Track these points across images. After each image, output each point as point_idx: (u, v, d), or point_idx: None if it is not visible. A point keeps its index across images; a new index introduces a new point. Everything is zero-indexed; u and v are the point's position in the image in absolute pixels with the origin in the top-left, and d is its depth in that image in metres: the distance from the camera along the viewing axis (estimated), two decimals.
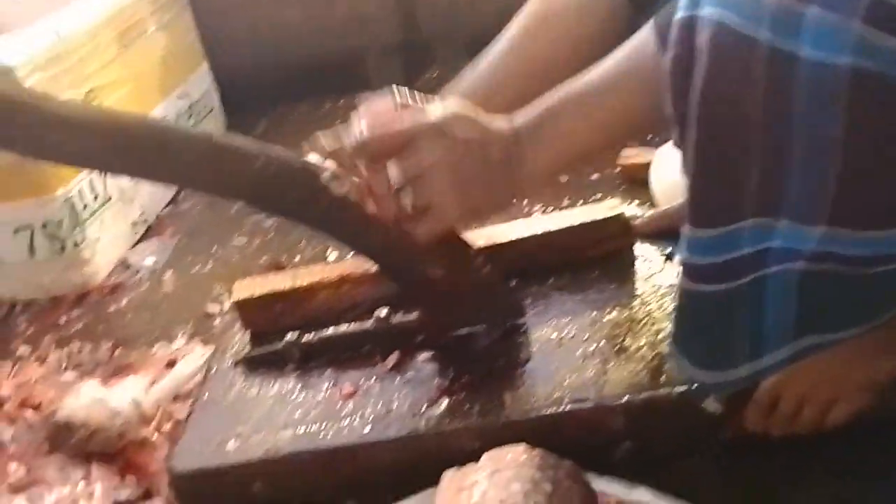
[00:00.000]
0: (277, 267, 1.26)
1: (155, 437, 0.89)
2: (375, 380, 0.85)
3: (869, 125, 0.53)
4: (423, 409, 0.79)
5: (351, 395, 0.83)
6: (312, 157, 0.74)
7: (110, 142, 0.66)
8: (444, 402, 0.80)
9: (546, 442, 0.71)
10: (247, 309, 0.95)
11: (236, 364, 0.91)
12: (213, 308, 1.18)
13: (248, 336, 0.97)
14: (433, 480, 0.73)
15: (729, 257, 0.60)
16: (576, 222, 0.93)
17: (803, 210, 0.56)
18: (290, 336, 0.90)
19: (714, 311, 0.63)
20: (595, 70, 0.74)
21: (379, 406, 0.81)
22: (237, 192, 0.73)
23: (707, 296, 0.62)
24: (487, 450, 0.72)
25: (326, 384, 0.86)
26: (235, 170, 0.71)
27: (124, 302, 1.25)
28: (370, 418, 0.80)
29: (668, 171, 1.15)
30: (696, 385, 0.70)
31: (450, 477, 0.70)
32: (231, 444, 0.80)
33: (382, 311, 0.88)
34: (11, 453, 0.87)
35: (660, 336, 0.82)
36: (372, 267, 0.94)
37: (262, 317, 0.95)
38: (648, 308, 0.87)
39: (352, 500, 0.80)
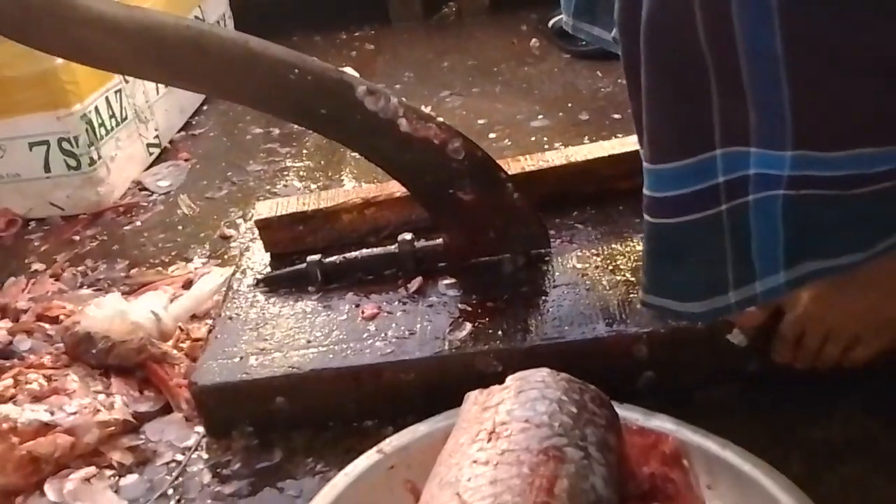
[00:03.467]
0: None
1: (174, 353, 0.88)
2: (398, 303, 0.85)
3: (804, 36, 0.51)
4: (447, 331, 0.79)
5: (374, 317, 0.83)
6: (349, 71, 0.73)
7: (144, 42, 0.65)
8: (468, 326, 0.79)
9: (569, 368, 0.70)
10: (269, 229, 0.94)
11: (258, 283, 0.91)
12: (229, 231, 1.17)
13: (267, 258, 0.96)
14: (455, 402, 0.73)
15: (701, 187, 0.59)
16: (607, 153, 0.92)
17: (769, 135, 0.55)
18: (313, 256, 0.89)
19: (691, 242, 0.61)
20: None
21: (402, 328, 0.81)
22: (271, 101, 0.72)
23: (681, 227, 0.61)
24: (510, 373, 0.72)
25: (349, 305, 0.86)
26: (271, 79, 0.70)
27: (139, 222, 1.24)
28: (393, 339, 0.80)
29: None
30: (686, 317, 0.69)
31: (474, 397, 0.70)
32: (254, 360, 0.80)
33: (406, 235, 0.87)
34: (31, 363, 0.87)
35: None
36: (396, 192, 0.93)
37: (284, 237, 0.95)
38: None
39: (373, 418, 0.80)
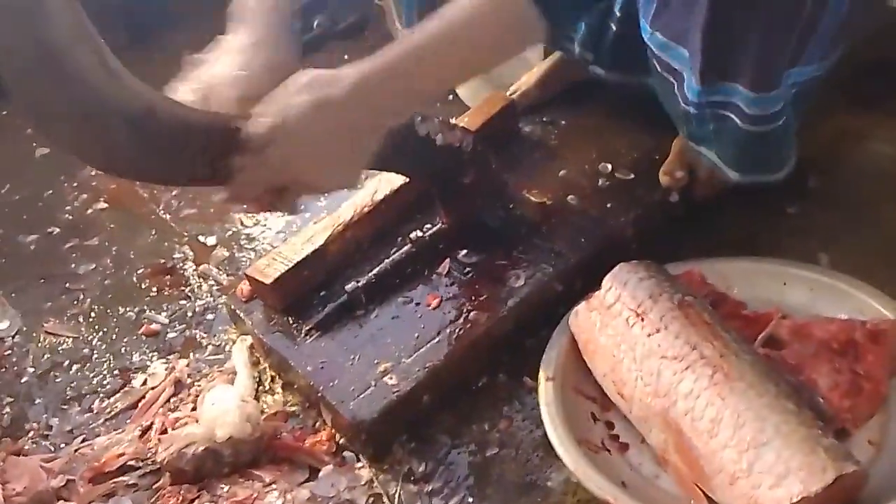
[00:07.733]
0: (166, 270, 1.23)
1: (283, 423, 0.93)
2: (444, 286, 1.00)
3: None
4: (511, 280, 0.98)
5: (439, 304, 0.98)
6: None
7: None
8: (520, 273, 0.98)
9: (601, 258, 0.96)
10: (282, 284, 0.99)
11: (309, 332, 0.98)
12: (155, 326, 1.14)
13: (261, 315, 1.02)
14: (541, 326, 0.95)
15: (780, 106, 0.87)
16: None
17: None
18: (351, 285, 0.99)
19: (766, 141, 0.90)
20: (456, 9, 0.77)
21: (471, 297, 0.97)
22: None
23: (767, 132, 0.88)
24: (575, 287, 0.96)
25: (409, 307, 0.99)
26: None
27: (30, 368, 1.12)
28: (475, 305, 0.96)
29: None
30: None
31: (584, 308, 0.92)
32: (389, 379, 0.90)
33: (417, 233, 1.02)
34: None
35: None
36: (362, 207, 1.05)
37: (295, 286, 1.01)
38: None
39: (484, 376, 0.96)
